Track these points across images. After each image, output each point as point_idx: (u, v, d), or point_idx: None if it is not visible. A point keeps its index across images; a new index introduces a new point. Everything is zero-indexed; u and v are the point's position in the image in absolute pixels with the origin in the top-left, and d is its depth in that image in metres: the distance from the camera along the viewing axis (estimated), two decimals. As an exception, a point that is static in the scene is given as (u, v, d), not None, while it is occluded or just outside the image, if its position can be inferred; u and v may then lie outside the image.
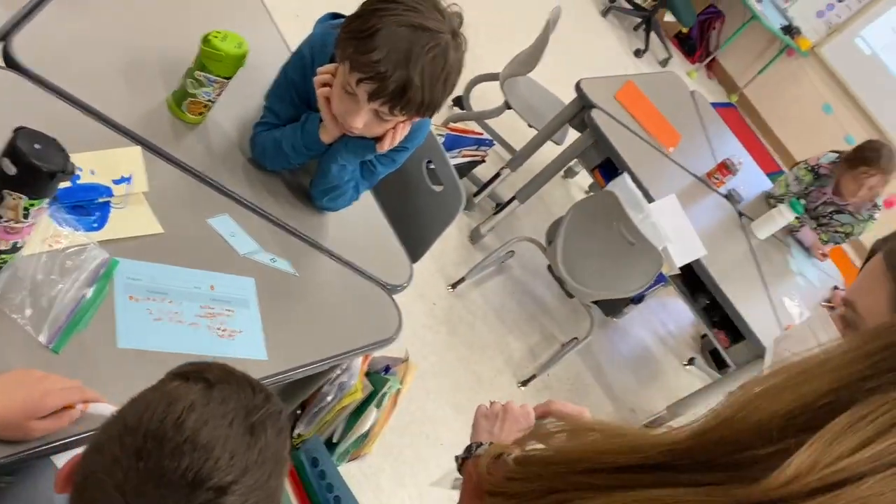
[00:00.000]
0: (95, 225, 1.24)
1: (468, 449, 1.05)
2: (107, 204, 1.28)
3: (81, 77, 1.39)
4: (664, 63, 6.25)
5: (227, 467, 0.68)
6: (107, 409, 1.01)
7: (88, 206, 1.25)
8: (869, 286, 0.69)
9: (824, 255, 3.55)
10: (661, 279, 2.98)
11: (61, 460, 1.12)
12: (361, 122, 1.38)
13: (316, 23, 1.59)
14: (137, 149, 1.37)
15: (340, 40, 1.34)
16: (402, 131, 1.46)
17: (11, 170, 0.94)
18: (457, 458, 1.06)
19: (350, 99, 1.36)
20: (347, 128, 1.41)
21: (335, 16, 1.57)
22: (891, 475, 0.56)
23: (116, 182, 1.30)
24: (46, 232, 1.16)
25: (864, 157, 3.21)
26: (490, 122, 3.49)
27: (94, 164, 1.28)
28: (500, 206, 3.27)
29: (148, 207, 1.33)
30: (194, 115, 1.50)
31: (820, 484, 0.57)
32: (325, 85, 1.41)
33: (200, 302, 1.30)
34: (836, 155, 3.38)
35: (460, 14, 1.36)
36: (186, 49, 1.51)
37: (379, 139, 1.46)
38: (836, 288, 3.53)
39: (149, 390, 0.75)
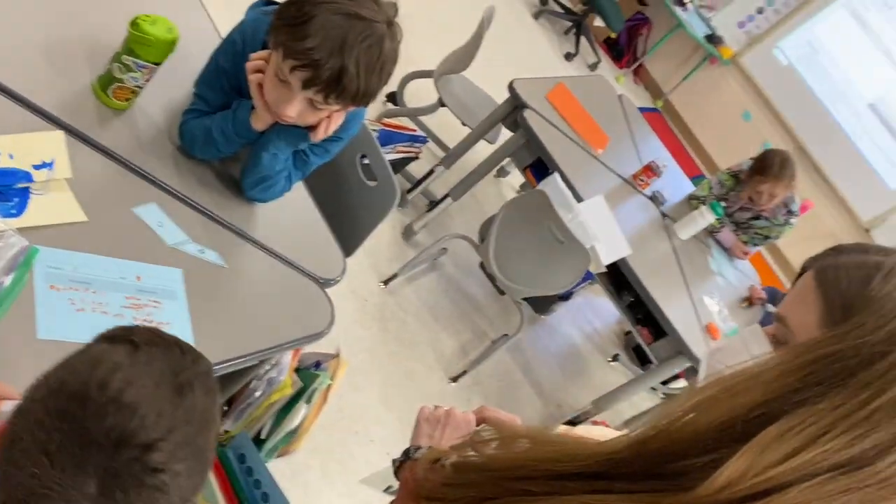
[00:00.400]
0: (14, 211, 1.19)
1: (406, 452, 1.05)
2: (26, 190, 1.22)
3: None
4: (593, 67, 6.39)
5: (152, 425, 0.69)
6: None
7: (6, 191, 1.20)
8: (800, 302, 0.72)
9: (745, 254, 3.71)
10: (588, 277, 3.05)
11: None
12: (294, 110, 1.36)
13: (248, 9, 1.57)
14: (60, 133, 1.32)
15: (274, 27, 1.32)
16: (336, 121, 1.45)
17: (-77, 150, 0.90)
18: (394, 461, 1.05)
19: (283, 86, 1.35)
20: (280, 116, 1.40)
21: (268, 2, 1.55)
22: (815, 484, 0.59)
23: (37, 167, 1.24)
24: (-40, 217, 1.10)
25: (759, 167, 3.40)
26: (424, 119, 3.50)
27: (13, 147, 1.22)
28: (434, 204, 3.28)
29: (71, 194, 1.29)
30: (121, 100, 1.46)
31: (749, 492, 0.59)
32: (257, 71, 1.39)
33: (126, 293, 1.26)
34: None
35: (395, 4, 1.36)
36: (113, 32, 1.46)
37: (312, 128, 1.44)
38: (752, 286, 3.69)
39: (74, 354, 0.74)
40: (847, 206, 6.21)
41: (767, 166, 3.37)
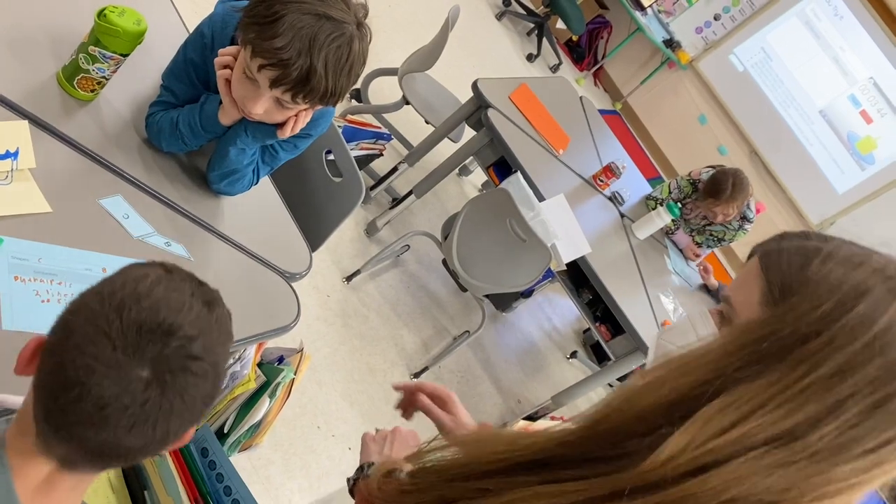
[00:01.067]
0: (-23, 201, 1.18)
1: (360, 469, 1.06)
2: (-10, 179, 1.21)
3: (-38, 45, 1.31)
4: (554, 69, 6.47)
5: (192, 324, 0.79)
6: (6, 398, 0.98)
7: (-31, 180, 1.19)
8: (744, 283, 0.75)
9: (697, 255, 3.80)
10: (549, 275, 3.10)
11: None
12: (261, 108, 1.37)
13: (218, 2, 1.57)
14: (24, 123, 1.30)
15: (243, 24, 1.32)
16: (304, 119, 1.46)
17: None
18: (348, 479, 1.07)
19: (250, 84, 1.35)
20: (247, 113, 1.40)
21: None
22: (753, 458, 0.62)
23: (1, 157, 1.23)
24: (-78, 206, 1.09)
25: (711, 190, 3.46)
26: (387, 116, 3.52)
27: (-23, 136, 1.21)
28: (397, 201, 3.30)
29: (35, 185, 1.28)
30: (86, 91, 1.45)
31: (690, 466, 0.63)
32: (225, 67, 1.39)
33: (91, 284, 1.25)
34: (711, 170, 3.62)
35: (365, 5, 1.37)
36: (78, 22, 1.46)
37: (280, 125, 1.45)
38: (704, 286, 3.79)
39: (109, 277, 0.82)
40: (797, 208, 6.41)
41: (720, 190, 3.42)
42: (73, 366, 0.74)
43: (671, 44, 6.51)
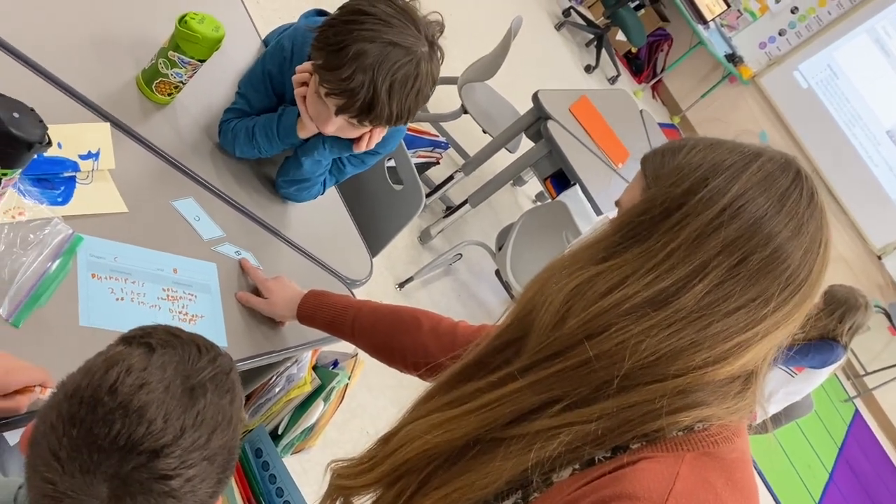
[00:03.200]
0: (60, 199, 1.21)
1: None
2: (72, 179, 1.25)
3: (50, 48, 1.35)
4: (613, 80, 6.42)
5: (160, 431, 0.69)
6: None
7: (53, 179, 1.22)
8: (630, 186, 0.81)
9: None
10: (603, 290, 3.06)
11: (14, 437, 1.10)
12: (333, 127, 1.39)
13: (301, 16, 1.59)
14: (106, 125, 1.34)
15: (313, 48, 1.33)
16: (378, 135, 1.47)
17: (-13, 137, 0.92)
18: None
19: (322, 104, 1.36)
20: (321, 129, 1.42)
21: (320, 13, 1.57)
22: (636, 320, 0.71)
23: (83, 157, 1.27)
24: (10, 203, 1.13)
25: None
26: (445, 125, 3.53)
27: (62, 137, 1.25)
28: (452, 209, 3.31)
29: (113, 185, 1.31)
30: (163, 95, 1.48)
31: (581, 333, 0.73)
32: (302, 84, 1.41)
33: (163, 284, 1.28)
34: None
35: (441, 23, 1.36)
36: (158, 27, 1.49)
37: (356, 139, 1.47)
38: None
39: (95, 356, 0.76)
40: (859, 231, 6.22)
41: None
42: (36, 485, 0.71)
43: (733, 58, 6.39)
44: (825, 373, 3.30)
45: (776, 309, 0.71)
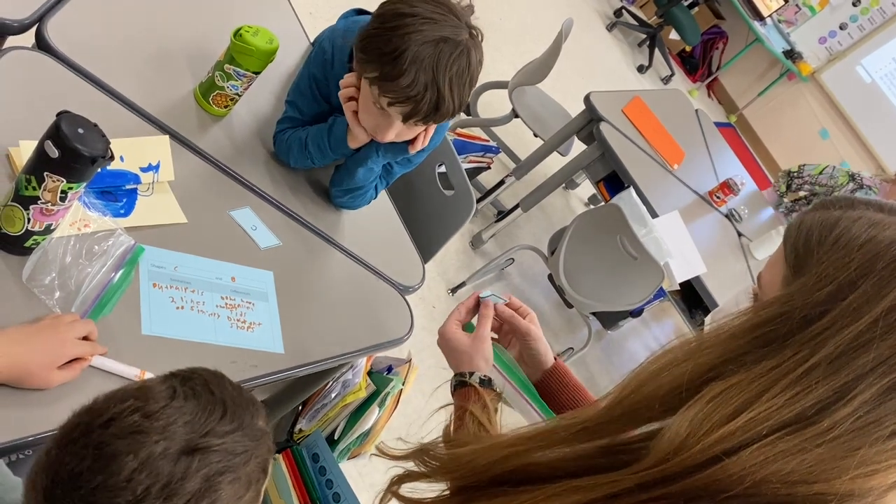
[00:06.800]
0: (122, 211, 1.25)
1: (461, 375, 1.15)
2: (134, 191, 1.29)
3: (111, 64, 1.39)
4: (666, 80, 6.31)
5: (117, 488, 0.64)
6: (114, 365, 1.07)
7: (116, 192, 1.26)
8: (773, 262, 0.71)
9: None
10: (660, 294, 3.00)
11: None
12: (393, 134, 1.39)
13: (340, 17, 1.60)
14: (165, 138, 1.38)
15: (363, 60, 1.32)
16: (432, 130, 1.48)
17: (54, 153, 0.95)
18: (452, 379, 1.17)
19: (381, 114, 1.36)
20: (379, 139, 1.42)
21: (359, 11, 1.58)
22: (766, 445, 0.59)
23: (144, 170, 1.31)
24: (75, 216, 1.17)
25: None
26: (496, 129, 3.52)
27: (124, 150, 1.29)
28: (503, 214, 3.29)
29: (173, 196, 1.34)
30: (220, 107, 1.51)
31: (703, 457, 0.61)
32: (350, 99, 1.41)
33: (221, 293, 1.31)
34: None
35: (471, 5, 1.35)
36: (214, 41, 1.53)
37: (411, 140, 1.47)
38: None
39: (135, 382, 0.76)
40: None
41: None
42: (24, 494, 0.69)
43: (792, 54, 6.21)
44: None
45: None
